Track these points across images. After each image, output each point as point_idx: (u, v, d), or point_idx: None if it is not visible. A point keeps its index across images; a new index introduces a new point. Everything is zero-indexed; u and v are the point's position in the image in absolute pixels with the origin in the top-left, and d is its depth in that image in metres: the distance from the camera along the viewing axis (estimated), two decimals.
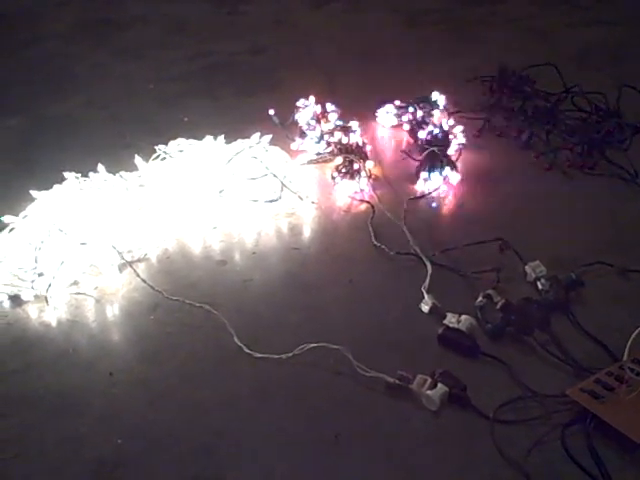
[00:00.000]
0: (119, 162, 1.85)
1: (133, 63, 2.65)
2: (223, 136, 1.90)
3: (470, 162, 1.87)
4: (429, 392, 1.21)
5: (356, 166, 1.82)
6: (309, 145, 1.96)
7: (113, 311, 1.49)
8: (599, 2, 2.92)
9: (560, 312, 1.39)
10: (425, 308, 1.41)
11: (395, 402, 1.24)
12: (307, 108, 2.01)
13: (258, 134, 1.88)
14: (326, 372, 1.30)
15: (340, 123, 1.97)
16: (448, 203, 1.76)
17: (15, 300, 1.52)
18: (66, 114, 2.30)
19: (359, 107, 2.10)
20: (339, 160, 1.85)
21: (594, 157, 1.86)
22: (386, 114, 2.09)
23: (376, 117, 2.10)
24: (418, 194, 1.79)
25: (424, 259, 1.53)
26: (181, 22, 3.02)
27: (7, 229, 1.63)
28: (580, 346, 1.32)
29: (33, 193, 1.69)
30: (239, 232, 1.70)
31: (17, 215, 1.65)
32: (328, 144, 1.93)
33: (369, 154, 1.90)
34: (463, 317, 1.36)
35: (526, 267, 1.48)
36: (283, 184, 1.76)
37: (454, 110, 2.07)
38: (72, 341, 1.42)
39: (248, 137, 1.88)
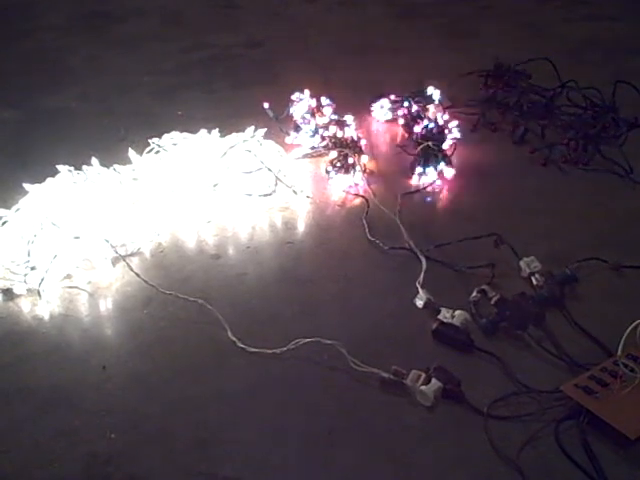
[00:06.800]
0: (113, 155, 1.84)
1: (128, 56, 2.64)
2: (217, 130, 1.89)
3: (465, 157, 1.87)
4: (423, 387, 1.21)
5: (351, 160, 1.82)
6: (304, 139, 1.95)
7: (106, 305, 1.48)
8: None
9: (554, 308, 1.39)
10: (419, 303, 1.41)
11: (389, 397, 1.24)
12: (302, 102, 2.00)
13: (252, 128, 1.88)
14: (320, 367, 1.30)
15: (335, 117, 1.96)
16: (443, 198, 1.76)
17: (7, 294, 1.51)
18: (61, 107, 2.29)
19: (354, 101, 2.09)
20: (334, 154, 1.85)
21: (589, 152, 1.87)
22: (380, 108, 2.09)
23: (371, 111, 2.10)
24: (413, 189, 1.79)
25: (418, 254, 1.52)
26: (177, 15, 3.01)
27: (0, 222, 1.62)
28: (574, 342, 1.32)
29: (26, 186, 1.68)
30: (233, 226, 1.70)
31: (10, 208, 1.64)
32: (323, 138, 1.93)
33: (364, 148, 1.90)
34: (457, 312, 1.36)
35: (521, 262, 1.48)
36: (277, 178, 1.76)
37: (449, 104, 2.07)
38: (65, 335, 1.41)
39: (242, 131, 1.88)
